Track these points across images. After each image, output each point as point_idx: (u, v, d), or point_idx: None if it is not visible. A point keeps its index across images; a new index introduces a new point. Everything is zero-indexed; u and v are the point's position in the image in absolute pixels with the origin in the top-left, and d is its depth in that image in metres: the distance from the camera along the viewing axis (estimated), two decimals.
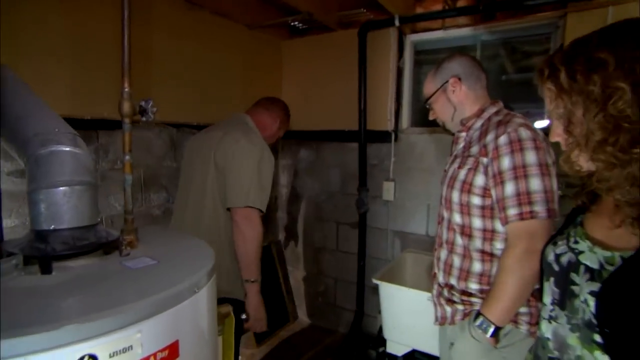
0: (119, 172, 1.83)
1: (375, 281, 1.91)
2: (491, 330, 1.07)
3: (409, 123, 2.43)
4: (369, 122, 2.31)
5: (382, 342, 2.16)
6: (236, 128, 1.64)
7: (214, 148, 1.58)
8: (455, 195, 1.20)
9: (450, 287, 1.25)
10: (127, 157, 0.86)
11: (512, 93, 2.22)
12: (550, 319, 0.74)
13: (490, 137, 1.13)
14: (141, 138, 1.92)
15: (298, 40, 2.69)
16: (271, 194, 2.80)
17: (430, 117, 1.41)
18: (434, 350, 1.83)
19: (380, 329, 2.34)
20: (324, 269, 2.75)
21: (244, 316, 1.53)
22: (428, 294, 1.80)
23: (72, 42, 1.62)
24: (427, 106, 1.39)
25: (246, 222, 1.49)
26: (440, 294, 1.30)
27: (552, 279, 0.75)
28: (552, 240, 0.80)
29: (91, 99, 1.69)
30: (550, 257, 0.76)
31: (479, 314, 1.11)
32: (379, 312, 2.27)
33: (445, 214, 1.27)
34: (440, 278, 1.29)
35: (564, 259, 0.72)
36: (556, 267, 0.74)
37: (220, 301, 1.53)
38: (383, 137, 2.39)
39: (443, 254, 1.28)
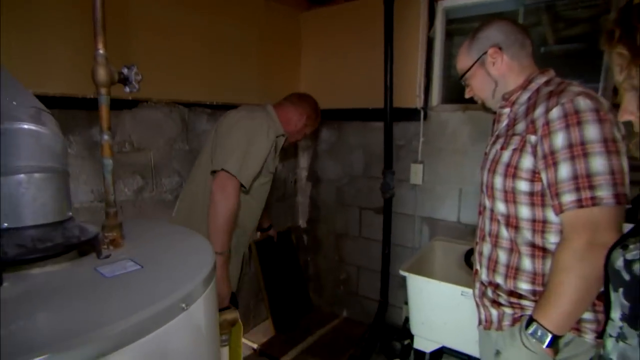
0: (127, 154, 1.69)
1: (402, 273, 1.72)
2: (548, 339, 0.88)
3: (439, 99, 2.18)
4: (396, 99, 2.08)
5: (408, 334, 2.00)
6: (248, 108, 1.59)
7: (217, 124, 1.57)
8: (499, 181, 1.01)
9: (496, 287, 1.06)
10: (106, 137, 0.69)
11: (553, 67, 1.94)
12: (619, 337, 0.60)
13: (539, 110, 0.92)
14: (150, 119, 1.76)
15: (318, 11, 2.45)
16: (290, 178, 2.66)
17: (467, 95, 1.19)
18: (466, 348, 1.65)
19: (406, 320, 2.16)
20: (345, 257, 2.58)
21: None
22: (462, 288, 1.61)
23: (71, 14, 1.45)
24: (463, 83, 1.17)
25: (220, 190, 1.41)
26: (483, 294, 1.11)
27: (621, 290, 0.60)
28: (621, 243, 0.63)
29: None
30: (619, 263, 0.61)
31: (531, 320, 0.92)
32: (405, 302, 2.10)
33: (487, 203, 1.07)
34: (484, 275, 1.10)
35: (638, 267, 0.57)
36: (626, 276, 0.59)
37: None
38: (411, 115, 2.16)
39: (486, 248, 1.09)
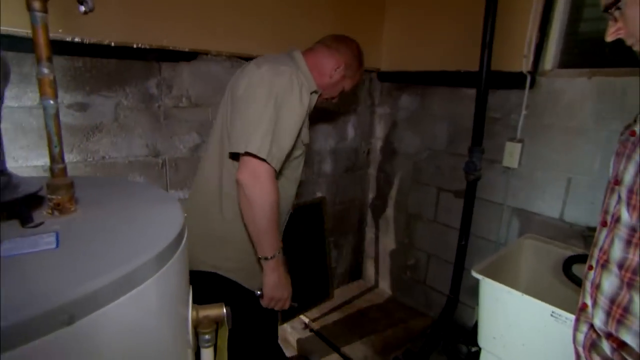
0: (184, 110, 1.60)
1: (475, 275, 1.38)
2: None
3: (556, 62, 1.66)
4: (495, 60, 1.63)
5: (477, 339, 1.66)
6: (271, 58, 1.16)
7: (232, 81, 1.19)
8: None
9: (619, 345, 0.67)
10: (45, 71, 0.51)
11: None
12: None
13: None
14: (209, 73, 1.63)
15: None
16: (363, 148, 2.38)
17: (610, 37, 0.69)
18: None
19: (477, 324, 1.82)
20: (416, 241, 2.26)
21: (258, 293, 1.18)
22: (553, 308, 1.21)
23: None
24: (610, 13, 0.68)
25: (250, 182, 1.04)
26: (593, 344, 0.72)
27: None
28: None
29: (149, 23, 1.42)
30: None
31: None
32: (478, 304, 1.75)
33: (626, 217, 0.65)
34: (598, 321, 0.70)
35: None
36: None
37: (205, 278, 1.14)
38: (513, 81, 1.69)
39: (608, 283, 0.68)
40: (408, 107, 2.17)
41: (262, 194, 1.04)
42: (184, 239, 0.58)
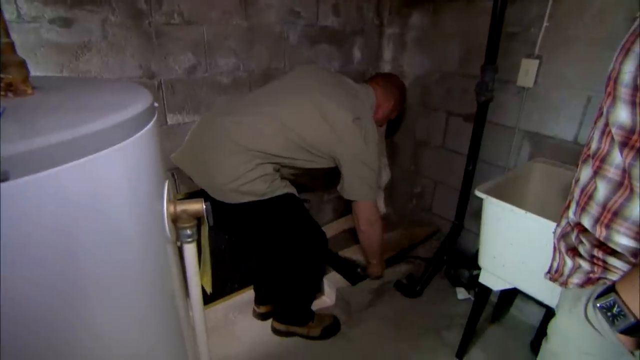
0: (176, 27, 1.50)
1: (479, 194, 1.34)
2: (624, 323, 0.54)
3: None
4: None
5: (478, 265, 1.67)
6: (355, 98, 1.52)
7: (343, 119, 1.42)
8: (630, 65, 0.54)
9: (582, 230, 0.68)
10: None
11: None
12: None
13: None
14: None
15: None
16: (370, 72, 2.24)
17: None
18: (545, 298, 1.28)
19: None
20: (422, 168, 2.20)
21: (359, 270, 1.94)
22: (554, 225, 1.18)
23: None
24: None
25: (371, 228, 1.61)
26: (565, 235, 0.75)
27: None
28: None
29: None
30: None
31: (610, 289, 0.57)
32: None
33: (604, 106, 0.62)
34: (571, 212, 0.71)
35: None
36: None
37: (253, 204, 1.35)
38: None
39: (585, 174, 0.67)
40: (419, 26, 2.00)
41: (379, 232, 1.65)
42: (151, 123, 0.54)
